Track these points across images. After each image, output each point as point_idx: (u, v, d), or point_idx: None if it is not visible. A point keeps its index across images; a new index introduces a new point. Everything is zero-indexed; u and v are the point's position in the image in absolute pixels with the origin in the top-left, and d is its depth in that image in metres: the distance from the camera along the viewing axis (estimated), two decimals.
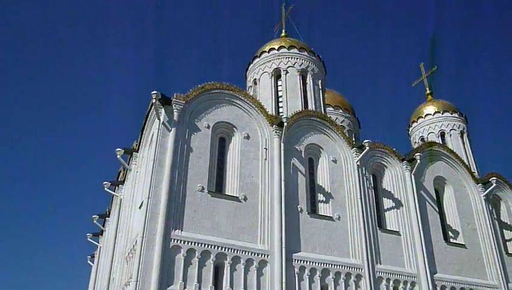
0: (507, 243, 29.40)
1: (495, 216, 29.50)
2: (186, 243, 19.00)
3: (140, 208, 20.39)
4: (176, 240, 18.89)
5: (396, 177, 26.24)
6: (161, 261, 18.16)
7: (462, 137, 35.49)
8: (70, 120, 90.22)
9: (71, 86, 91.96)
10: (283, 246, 20.49)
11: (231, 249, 19.67)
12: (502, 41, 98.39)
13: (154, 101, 20.80)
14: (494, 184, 29.16)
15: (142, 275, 17.84)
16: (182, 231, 19.26)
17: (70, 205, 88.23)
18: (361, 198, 23.80)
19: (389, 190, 25.76)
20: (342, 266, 21.73)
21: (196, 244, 19.13)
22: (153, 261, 18.11)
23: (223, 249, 19.53)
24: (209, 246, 19.32)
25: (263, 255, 20.13)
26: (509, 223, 30.10)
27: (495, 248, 27.48)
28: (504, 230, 29.79)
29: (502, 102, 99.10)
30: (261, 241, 20.49)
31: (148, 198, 19.33)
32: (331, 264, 21.52)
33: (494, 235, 28.01)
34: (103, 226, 34.76)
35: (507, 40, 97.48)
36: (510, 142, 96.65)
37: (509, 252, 28.85)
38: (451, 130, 35.47)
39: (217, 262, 19.39)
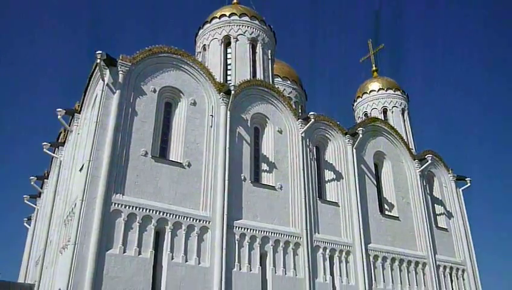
0: (437, 217, 31.11)
1: (428, 191, 31.03)
2: (127, 207, 18.80)
3: (80, 170, 19.90)
4: (116, 204, 18.64)
5: (339, 150, 26.95)
6: (101, 225, 17.90)
7: (403, 114, 36.74)
8: (8, 78, 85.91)
9: (7, 40, 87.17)
10: (225, 213, 20.71)
11: (173, 214, 19.67)
12: (447, 21, 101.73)
13: (98, 61, 20.05)
14: (429, 161, 30.56)
15: (80, 238, 17.55)
16: (123, 195, 19.00)
17: (7, 165, 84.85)
18: (303, 169, 24.32)
19: (330, 162, 26.45)
20: (281, 234, 22.30)
21: (137, 209, 18.98)
22: (93, 225, 17.82)
23: (165, 214, 19.50)
24: (151, 211, 19.22)
25: (205, 222, 20.29)
26: (440, 198, 31.78)
27: (426, 222, 29.02)
28: (435, 205, 31.45)
29: (443, 82, 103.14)
30: (203, 208, 20.60)
31: (90, 161, 18.87)
32: (271, 232, 22.03)
33: (426, 209, 29.54)
34: (41, 188, 33.76)
35: (453, 20, 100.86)
36: (446, 121, 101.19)
37: (439, 225, 30.57)
38: (393, 107, 36.60)
39: (158, 227, 19.37)
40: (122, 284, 17.64)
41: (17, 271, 35.37)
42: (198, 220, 20.18)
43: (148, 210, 19.17)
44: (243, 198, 21.95)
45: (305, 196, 23.71)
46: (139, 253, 18.47)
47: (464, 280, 29.90)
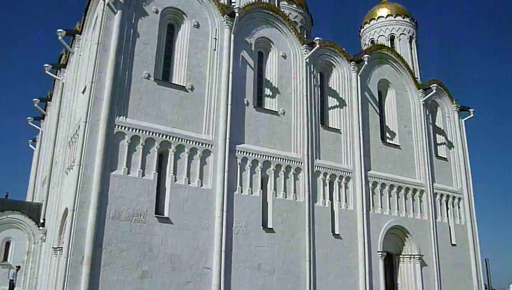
0: (438, 146, 31.33)
1: (430, 121, 31.04)
2: (130, 129, 18.95)
3: (83, 92, 19.87)
4: (119, 126, 18.77)
5: (343, 77, 26.67)
6: (105, 147, 18.14)
7: (410, 42, 35.91)
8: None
9: None
10: (227, 137, 20.90)
11: (176, 137, 19.85)
12: None
13: None
14: (434, 90, 30.33)
15: (85, 159, 17.86)
16: (126, 117, 19.08)
17: (10, 87, 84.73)
18: (307, 95, 24.20)
19: (334, 89, 26.28)
20: (283, 159, 22.62)
21: (140, 131, 19.13)
22: (97, 146, 18.05)
23: (168, 137, 19.68)
24: (154, 134, 19.40)
25: (207, 145, 20.52)
26: (442, 128, 31.84)
27: (426, 151, 29.28)
28: (437, 134, 31.57)
29: (452, 10, 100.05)
30: (206, 132, 20.75)
31: (92, 83, 18.76)
32: (273, 157, 22.33)
33: (427, 138, 29.69)
34: (45, 110, 33.91)
35: None
36: (454, 50, 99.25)
37: (439, 155, 30.86)
38: (401, 34, 35.70)
39: (161, 150, 19.62)
40: (126, 204, 18.17)
41: (24, 191, 36.39)
42: (200, 144, 20.39)
43: (151, 133, 19.33)
44: (245, 122, 22.04)
45: (307, 122, 23.78)
46: (143, 174, 18.85)
47: (459, 208, 30.62)
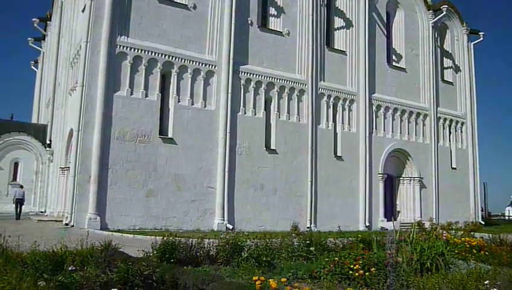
0: (444, 70, 30.91)
1: (439, 44, 30.38)
2: (132, 49, 18.65)
3: (83, 11, 19.35)
4: (121, 46, 18.47)
5: None
6: (107, 67, 17.95)
7: None
8: None
9: None
10: (231, 57, 20.60)
11: (178, 58, 19.58)
12: None
13: None
14: (444, 12, 29.46)
15: (88, 80, 17.77)
16: (128, 37, 18.72)
17: (8, 6, 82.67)
18: (312, 15, 23.50)
19: (341, 9, 25.49)
20: (286, 81, 22.42)
21: (143, 51, 18.84)
22: (99, 67, 17.88)
23: (170, 57, 19.41)
24: (156, 54, 19.12)
25: (210, 66, 20.28)
26: (450, 51, 31.23)
27: (433, 74, 28.92)
28: (444, 58, 31.04)
29: None
30: (209, 52, 20.43)
31: (92, 0, 18.23)
32: (277, 78, 22.12)
33: (434, 62, 29.21)
34: (45, 30, 33.28)
35: None
36: None
37: (445, 79, 30.52)
38: None
39: (164, 70, 19.43)
40: (130, 124, 18.30)
41: (29, 113, 36.60)
42: (204, 64, 20.15)
43: (153, 53, 19.05)
44: (249, 43, 21.62)
45: (312, 43, 23.30)
46: (146, 95, 18.81)
47: (461, 132, 30.76)
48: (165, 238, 8.64)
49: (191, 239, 9.04)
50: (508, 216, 47.38)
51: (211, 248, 9.04)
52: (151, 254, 8.37)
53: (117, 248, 7.71)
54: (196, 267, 8.13)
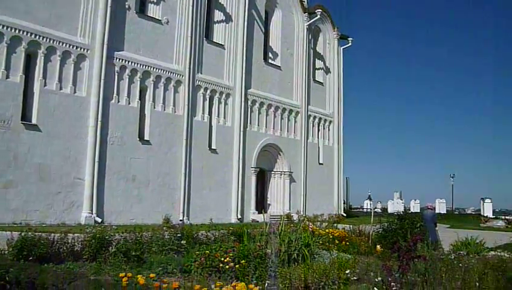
0: (316, 71, 32.68)
1: (312, 46, 32.00)
2: None
3: None
4: None
5: None
6: None
7: None
8: None
9: None
10: (105, 42, 19.50)
11: (46, 38, 18.04)
12: None
13: None
14: (318, 16, 31.14)
15: None
16: None
17: None
18: (193, 6, 23.22)
19: (222, 3, 25.54)
20: (163, 71, 21.92)
21: (5, 27, 16.99)
22: None
23: (37, 36, 17.80)
24: (21, 32, 17.38)
25: (82, 49, 19.03)
26: (322, 53, 33.09)
27: (305, 74, 30.41)
28: (316, 59, 32.81)
29: None
30: (81, 34, 19.13)
31: None
32: (153, 68, 21.51)
33: (307, 62, 30.73)
34: None
35: None
36: None
37: (316, 79, 32.28)
38: None
39: (29, 50, 17.76)
40: None
41: None
42: (75, 47, 18.83)
43: (17, 30, 17.28)
44: (125, 29, 20.66)
45: (191, 34, 23.06)
46: (7, 76, 17.00)
47: (329, 130, 32.83)
48: (23, 233, 7.93)
49: (53, 234, 8.43)
50: (366, 209, 51.69)
51: (76, 243, 8.52)
52: (7, 252, 7.64)
53: None
54: (58, 264, 7.60)
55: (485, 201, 45.24)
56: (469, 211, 57.37)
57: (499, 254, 10.72)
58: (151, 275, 6.55)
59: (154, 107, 21.57)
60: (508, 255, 9.89)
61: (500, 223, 30.38)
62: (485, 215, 41.19)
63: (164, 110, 21.94)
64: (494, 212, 44.98)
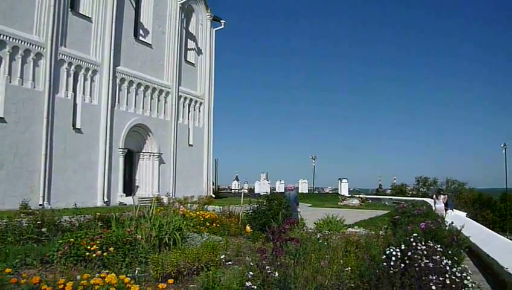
0: (188, 51, 32.31)
1: (184, 25, 31.50)
2: None
3: None
4: None
5: None
6: None
7: None
8: None
9: None
10: None
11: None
12: None
13: None
14: None
15: None
16: None
17: None
18: None
19: None
20: (21, 41, 19.90)
21: None
22: None
23: None
24: None
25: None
26: (194, 34, 32.76)
27: (177, 54, 29.90)
28: (189, 40, 32.40)
29: None
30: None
31: None
32: (10, 37, 19.39)
33: (179, 42, 30.21)
34: None
35: None
36: None
37: (188, 60, 31.94)
38: None
39: None
40: None
41: None
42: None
43: None
44: None
45: (54, 3, 21.17)
46: None
47: (199, 112, 32.81)
48: None
49: None
50: (234, 189, 52.88)
51: None
52: None
53: None
54: None
55: (342, 181, 48.87)
56: (327, 191, 61.60)
57: (356, 230, 11.71)
58: (7, 270, 5.92)
59: (10, 81, 19.53)
60: (364, 231, 10.83)
61: (356, 202, 33.13)
62: (342, 194, 44.60)
63: (22, 84, 19.98)
64: (349, 191, 48.80)
